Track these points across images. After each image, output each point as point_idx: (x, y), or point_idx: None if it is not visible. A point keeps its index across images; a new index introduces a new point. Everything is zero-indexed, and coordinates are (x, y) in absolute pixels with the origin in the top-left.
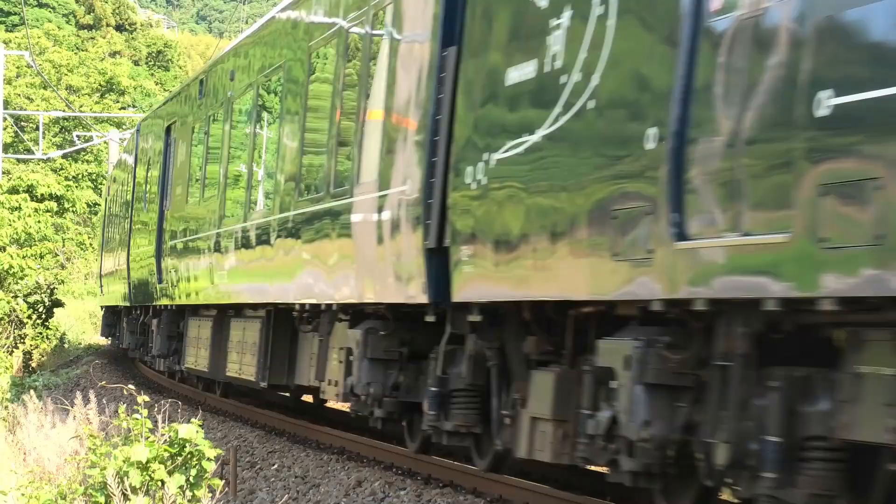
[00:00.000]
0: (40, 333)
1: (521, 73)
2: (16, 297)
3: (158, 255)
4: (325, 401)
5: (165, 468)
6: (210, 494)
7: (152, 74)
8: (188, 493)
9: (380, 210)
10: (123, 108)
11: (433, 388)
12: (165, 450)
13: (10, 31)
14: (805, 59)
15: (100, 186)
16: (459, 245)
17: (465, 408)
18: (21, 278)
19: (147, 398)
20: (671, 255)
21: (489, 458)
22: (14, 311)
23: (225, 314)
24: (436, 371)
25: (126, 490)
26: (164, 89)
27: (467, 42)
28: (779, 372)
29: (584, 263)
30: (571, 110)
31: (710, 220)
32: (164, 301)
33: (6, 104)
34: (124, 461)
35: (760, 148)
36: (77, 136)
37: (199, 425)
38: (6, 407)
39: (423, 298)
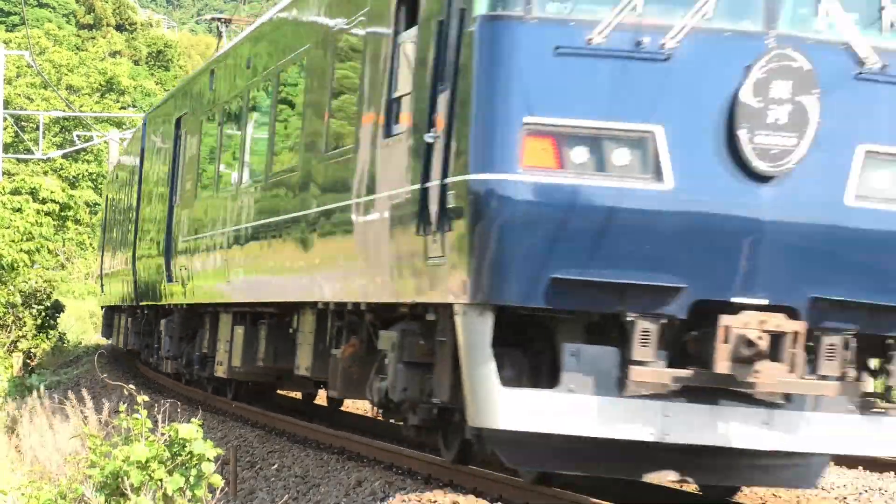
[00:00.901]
0: (38, 333)
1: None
2: (17, 304)
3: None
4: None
5: (165, 468)
6: (210, 494)
7: (152, 74)
8: (188, 493)
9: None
10: (123, 108)
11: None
12: (165, 450)
13: (11, 31)
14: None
15: (100, 187)
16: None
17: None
18: (18, 275)
19: (147, 398)
20: (169, 286)
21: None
22: (13, 308)
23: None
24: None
25: (126, 490)
26: (164, 89)
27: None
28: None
29: (157, 288)
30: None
31: (178, 277)
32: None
33: (6, 104)
34: (124, 461)
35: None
36: (77, 135)
37: (199, 425)
38: (6, 407)
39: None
